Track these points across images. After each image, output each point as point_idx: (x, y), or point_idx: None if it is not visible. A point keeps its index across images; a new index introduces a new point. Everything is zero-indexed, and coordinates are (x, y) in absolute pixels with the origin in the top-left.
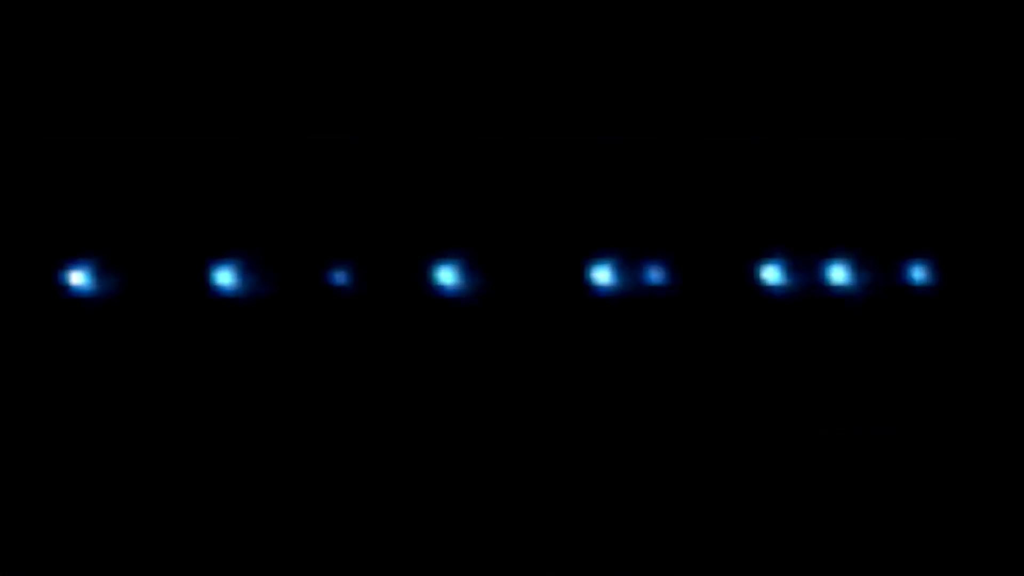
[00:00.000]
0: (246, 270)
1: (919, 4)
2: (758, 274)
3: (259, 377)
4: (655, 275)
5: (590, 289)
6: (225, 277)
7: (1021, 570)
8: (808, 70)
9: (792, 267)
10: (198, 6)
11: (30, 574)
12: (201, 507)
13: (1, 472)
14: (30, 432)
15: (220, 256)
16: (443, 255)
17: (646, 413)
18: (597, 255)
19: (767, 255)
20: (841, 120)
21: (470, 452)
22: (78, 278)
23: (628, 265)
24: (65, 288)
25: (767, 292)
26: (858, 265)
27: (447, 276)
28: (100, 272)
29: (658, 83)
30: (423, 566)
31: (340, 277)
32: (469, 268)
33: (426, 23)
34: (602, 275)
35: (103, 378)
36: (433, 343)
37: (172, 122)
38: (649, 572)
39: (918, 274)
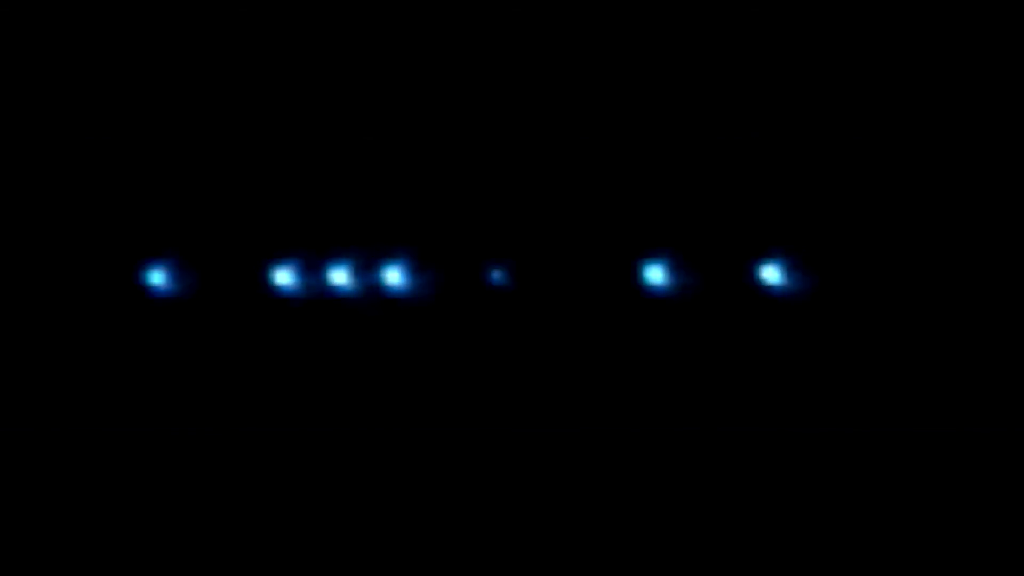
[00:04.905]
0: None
1: (919, 4)
2: (758, 274)
3: (259, 380)
4: (654, 275)
5: (592, 290)
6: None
7: (1021, 571)
8: (806, 70)
9: (792, 267)
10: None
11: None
12: (209, 508)
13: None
14: (30, 433)
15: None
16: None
17: (643, 415)
18: (600, 256)
19: (767, 255)
20: (839, 120)
21: (470, 454)
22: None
23: (628, 265)
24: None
25: (767, 292)
26: (859, 265)
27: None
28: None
29: (657, 83)
30: (425, 566)
31: (338, 276)
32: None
33: (431, 24)
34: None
35: (101, 380)
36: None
37: (182, 125)
38: (649, 573)
39: (919, 273)
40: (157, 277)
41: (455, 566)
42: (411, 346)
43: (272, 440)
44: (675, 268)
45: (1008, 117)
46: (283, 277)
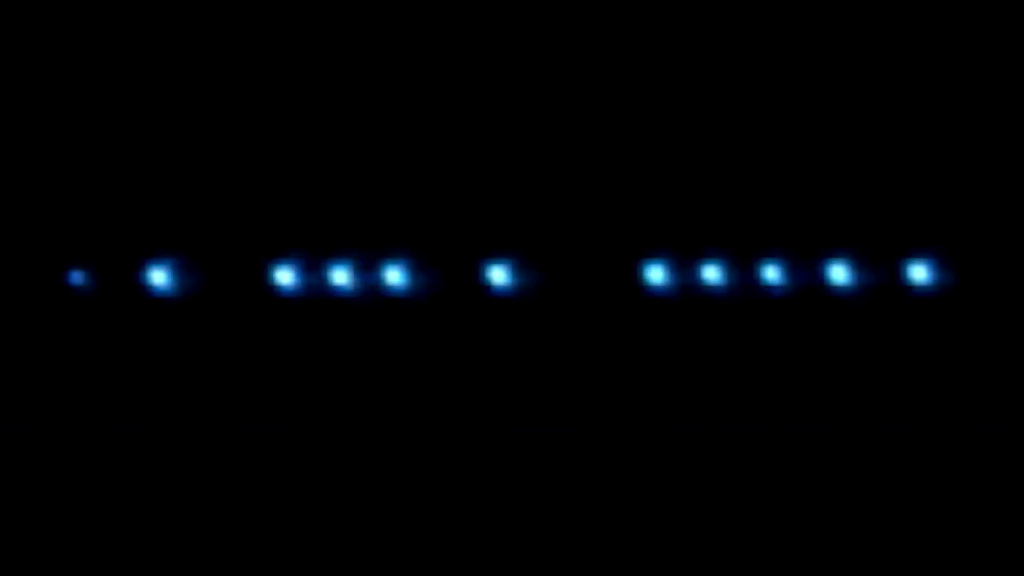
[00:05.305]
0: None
1: (919, 4)
2: (760, 274)
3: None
4: (654, 275)
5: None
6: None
7: (1021, 571)
8: (804, 70)
9: (792, 267)
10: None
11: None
12: (209, 508)
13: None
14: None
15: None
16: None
17: (643, 415)
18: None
19: (769, 255)
20: (839, 121)
21: (470, 454)
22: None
23: (627, 266)
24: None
25: (769, 292)
26: (858, 265)
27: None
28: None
29: (656, 83)
30: (427, 567)
31: (340, 276)
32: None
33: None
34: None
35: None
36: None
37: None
38: (649, 572)
39: (918, 274)
40: (158, 277)
41: (455, 566)
42: (411, 346)
43: (272, 440)
44: (675, 268)
45: (1013, 118)
46: (284, 277)
